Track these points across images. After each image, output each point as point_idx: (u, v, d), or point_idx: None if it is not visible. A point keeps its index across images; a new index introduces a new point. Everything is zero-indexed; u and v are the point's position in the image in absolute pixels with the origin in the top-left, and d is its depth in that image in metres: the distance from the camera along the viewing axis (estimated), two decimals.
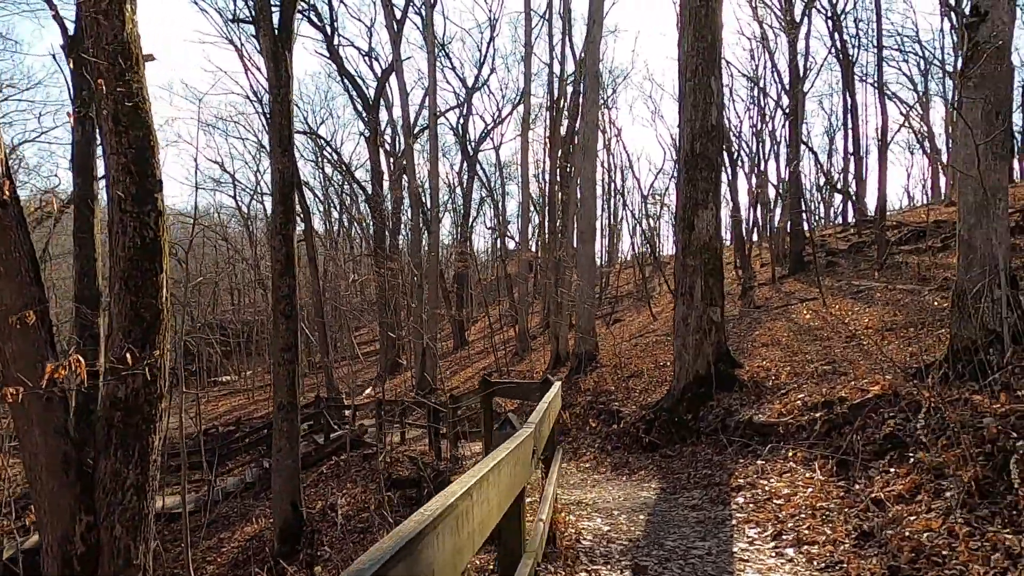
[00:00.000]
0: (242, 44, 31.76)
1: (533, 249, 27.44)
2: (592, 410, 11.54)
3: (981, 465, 4.22)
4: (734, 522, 5.09)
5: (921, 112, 36.62)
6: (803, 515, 4.84)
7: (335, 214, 48.22)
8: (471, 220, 39.94)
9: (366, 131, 30.32)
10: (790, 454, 6.23)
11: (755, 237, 35.06)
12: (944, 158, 35.11)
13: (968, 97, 5.30)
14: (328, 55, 28.12)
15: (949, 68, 33.02)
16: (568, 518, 5.42)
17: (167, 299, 4.52)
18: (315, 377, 33.19)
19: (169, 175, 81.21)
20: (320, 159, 41.45)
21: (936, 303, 10.32)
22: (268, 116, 23.29)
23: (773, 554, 4.34)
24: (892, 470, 5.00)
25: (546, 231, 23.46)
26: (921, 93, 36.51)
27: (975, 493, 4.09)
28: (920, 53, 38.55)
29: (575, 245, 14.91)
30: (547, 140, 21.19)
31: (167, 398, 4.77)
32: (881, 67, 25.81)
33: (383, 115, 31.59)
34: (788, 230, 24.15)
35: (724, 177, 32.46)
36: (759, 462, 6.43)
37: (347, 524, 9.99)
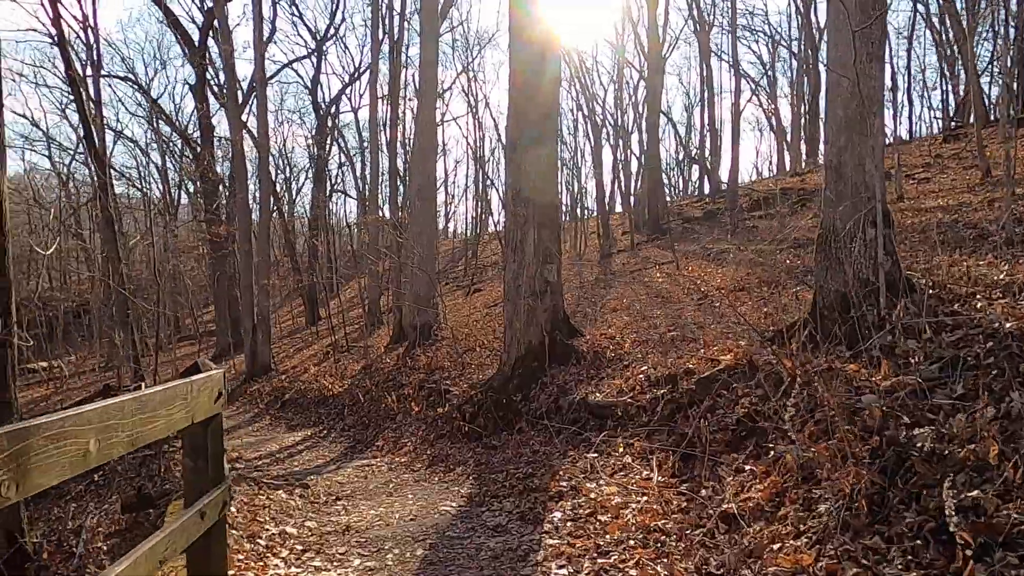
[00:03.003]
0: None
1: (388, 214, 25.18)
2: (422, 391, 9.88)
3: (867, 466, 2.95)
4: (542, 555, 3.58)
5: (768, 90, 38.13)
6: (632, 542, 3.42)
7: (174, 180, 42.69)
8: (329, 188, 36.75)
9: (192, 79, 26.42)
10: (627, 445, 4.88)
11: (618, 207, 35.04)
12: (788, 137, 36.91)
13: None
14: None
15: (795, 49, 34.53)
16: (301, 565, 3.69)
17: None
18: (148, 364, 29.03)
19: None
20: (154, 118, 36.05)
21: (788, 261, 9.60)
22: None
23: None
24: (748, 468, 3.71)
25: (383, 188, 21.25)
26: (768, 71, 37.88)
27: (861, 509, 2.80)
28: (769, 33, 40.17)
29: (415, 202, 13.05)
30: (389, 87, 18.97)
31: None
32: (735, 42, 25.95)
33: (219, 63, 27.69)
34: (648, 198, 23.85)
35: (588, 146, 31.80)
36: (590, 455, 5.03)
37: (90, 555, 7.69)
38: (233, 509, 4.66)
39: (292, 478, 6.81)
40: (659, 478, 4.09)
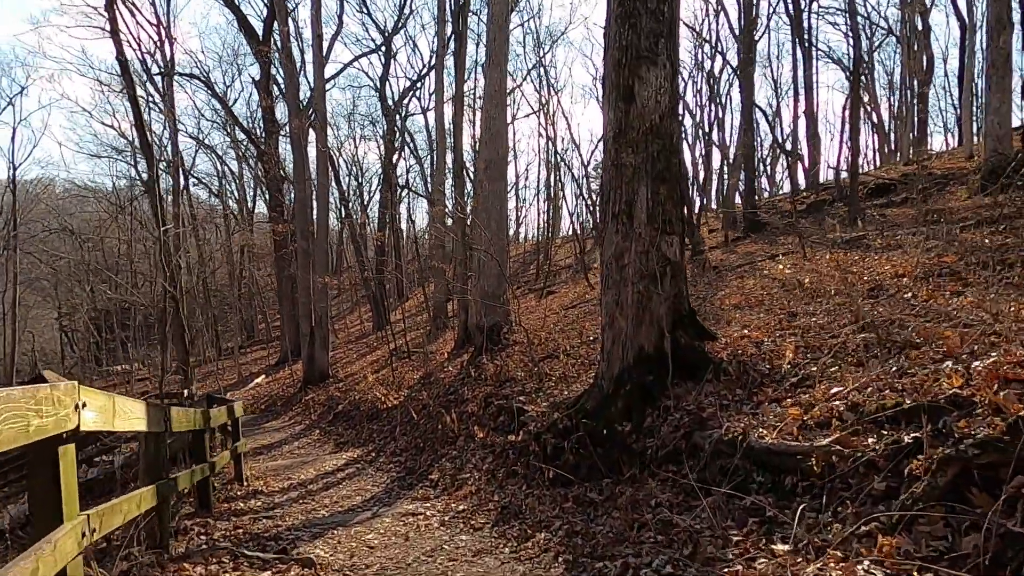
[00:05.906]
0: None
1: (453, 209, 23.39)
2: (488, 408, 7.84)
3: None
4: None
5: (865, 80, 34.35)
6: None
7: (251, 188, 42.48)
8: (398, 189, 35.50)
9: (258, 74, 25.64)
10: (860, 537, 2.62)
11: (696, 205, 32.26)
12: (887, 126, 33.05)
13: None
14: None
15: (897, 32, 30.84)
16: None
17: None
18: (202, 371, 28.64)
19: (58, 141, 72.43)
20: (231, 126, 35.66)
21: (987, 241, 6.99)
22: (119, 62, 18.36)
23: None
24: None
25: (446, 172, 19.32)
26: (866, 58, 34.06)
27: None
28: (866, 14, 36.26)
29: (483, 182, 11.07)
30: (455, 59, 17.11)
31: None
32: (855, 16, 22.67)
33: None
34: (741, 192, 21.18)
35: None
36: (779, 548, 2.81)
37: None
38: None
39: (302, 533, 4.87)
40: None
